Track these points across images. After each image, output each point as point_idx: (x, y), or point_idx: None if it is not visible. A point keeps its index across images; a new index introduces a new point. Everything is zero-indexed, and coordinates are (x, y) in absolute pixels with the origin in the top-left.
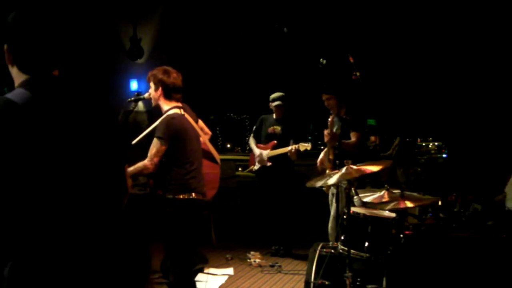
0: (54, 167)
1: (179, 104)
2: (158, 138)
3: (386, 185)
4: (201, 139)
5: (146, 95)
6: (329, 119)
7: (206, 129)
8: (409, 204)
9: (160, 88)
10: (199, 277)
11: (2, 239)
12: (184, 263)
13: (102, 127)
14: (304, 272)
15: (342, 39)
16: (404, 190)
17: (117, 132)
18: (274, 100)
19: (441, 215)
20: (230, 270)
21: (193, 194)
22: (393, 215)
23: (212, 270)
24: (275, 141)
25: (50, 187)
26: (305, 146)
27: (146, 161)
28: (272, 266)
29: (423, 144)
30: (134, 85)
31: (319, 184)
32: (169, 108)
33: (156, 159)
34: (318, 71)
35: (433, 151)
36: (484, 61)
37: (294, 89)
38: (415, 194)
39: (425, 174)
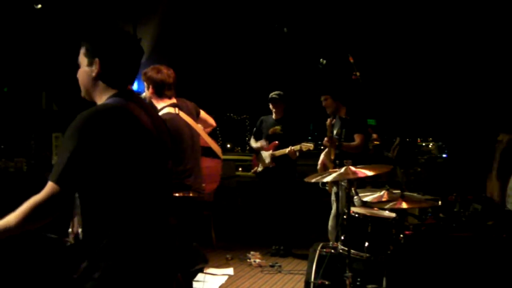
0: (145, 165)
1: (173, 101)
2: None
3: (386, 185)
4: (201, 133)
5: (143, 95)
6: (327, 122)
7: (210, 121)
8: (409, 204)
9: (150, 86)
10: (198, 277)
11: (98, 238)
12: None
13: (165, 130)
14: (304, 272)
15: (342, 39)
16: (404, 190)
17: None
18: (270, 95)
19: (441, 215)
20: (230, 270)
21: (190, 192)
22: (393, 215)
23: (212, 270)
24: (277, 142)
25: (138, 183)
26: (308, 146)
27: None
28: (272, 266)
29: (423, 144)
30: (134, 85)
31: (316, 179)
32: (162, 107)
33: None
34: (318, 71)
35: (433, 151)
36: (484, 61)
37: (294, 89)
38: (415, 194)
39: (425, 174)
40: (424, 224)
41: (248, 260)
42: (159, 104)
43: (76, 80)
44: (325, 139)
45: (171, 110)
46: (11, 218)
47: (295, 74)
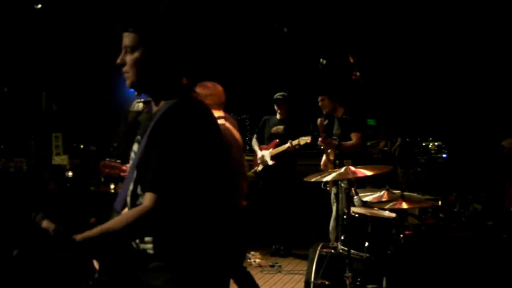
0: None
1: (224, 115)
2: None
3: (386, 185)
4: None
5: None
6: (318, 122)
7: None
8: (409, 204)
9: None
10: None
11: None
12: None
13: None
14: (304, 272)
15: (342, 39)
16: (404, 190)
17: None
18: (275, 96)
19: (441, 215)
20: None
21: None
22: (393, 215)
23: None
24: (277, 140)
25: (209, 184)
26: (305, 139)
27: None
28: (272, 266)
29: (423, 144)
30: None
31: (315, 179)
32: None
33: None
34: (318, 71)
35: (433, 151)
36: (484, 61)
37: (294, 89)
38: (415, 194)
39: (425, 174)
40: (424, 224)
41: (248, 260)
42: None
43: (76, 80)
44: (319, 139)
45: (220, 122)
46: (115, 225)
47: (295, 74)
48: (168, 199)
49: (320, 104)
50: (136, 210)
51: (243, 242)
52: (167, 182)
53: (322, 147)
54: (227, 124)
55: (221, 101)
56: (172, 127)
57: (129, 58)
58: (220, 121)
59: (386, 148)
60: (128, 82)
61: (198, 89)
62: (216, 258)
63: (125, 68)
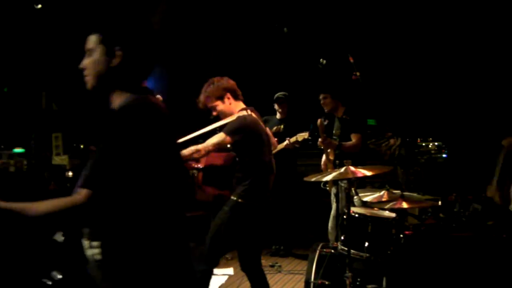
0: (158, 157)
1: (246, 107)
2: (226, 132)
3: (386, 185)
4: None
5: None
6: (318, 122)
7: (273, 139)
8: (409, 204)
9: (226, 95)
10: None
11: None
12: (214, 262)
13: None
14: (304, 272)
15: (342, 39)
16: (404, 190)
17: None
18: (276, 95)
19: (441, 215)
20: (230, 270)
21: (255, 200)
22: (393, 215)
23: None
24: (276, 139)
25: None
26: (303, 135)
27: (200, 146)
28: (272, 266)
29: (423, 144)
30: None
31: (315, 179)
32: (239, 109)
33: (212, 148)
34: (318, 71)
35: (433, 151)
36: (484, 61)
37: (294, 89)
38: (415, 194)
39: (425, 174)
40: (424, 224)
41: None
42: (238, 106)
43: (76, 80)
44: (319, 140)
45: (246, 112)
46: (41, 206)
47: (295, 74)
48: (101, 197)
49: (322, 102)
50: (67, 200)
51: (262, 238)
52: (100, 180)
53: (322, 147)
54: (254, 115)
55: (237, 93)
56: (111, 128)
57: (88, 61)
58: (246, 112)
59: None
60: (88, 86)
61: (213, 85)
62: (161, 263)
63: (85, 72)
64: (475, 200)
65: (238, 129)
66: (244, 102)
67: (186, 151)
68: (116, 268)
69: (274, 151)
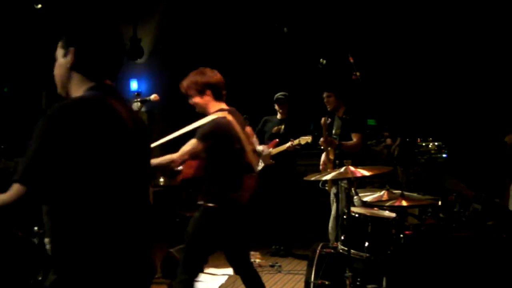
0: (115, 165)
1: (226, 107)
2: (198, 139)
3: (386, 185)
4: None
5: (152, 97)
6: (322, 121)
7: (253, 138)
8: (409, 204)
9: (207, 91)
10: (199, 277)
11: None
12: (194, 271)
13: (143, 130)
14: (304, 272)
15: (342, 39)
16: (404, 190)
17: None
18: (276, 96)
19: (441, 215)
20: (230, 270)
21: (230, 203)
22: (393, 215)
23: (212, 270)
24: (277, 139)
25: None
26: (306, 139)
27: (175, 155)
28: (272, 266)
29: (423, 144)
30: (134, 85)
31: (315, 178)
32: (216, 110)
33: (187, 156)
34: (318, 71)
35: (433, 151)
36: (484, 61)
37: (294, 89)
38: (415, 194)
39: (425, 174)
40: (424, 224)
41: None
42: (215, 106)
43: None
44: (321, 139)
45: (222, 114)
46: None
47: (295, 74)
48: (35, 193)
49: (325, 100)
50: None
51: (246, 239)
52: (33, 176)
53: (322, 147)
54: (230, 117)
55: (222, 92)
56: (41, 121)
57: (54, 68)
58: (222, 114)
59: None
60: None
61: (198, 77)
62: (109, 262)
63: (55, 79)
64: (475, 200)
65: (209, 134)
66: (244, 102)
67: (160, 160)
68: (61, 265)
69: (275, 152)
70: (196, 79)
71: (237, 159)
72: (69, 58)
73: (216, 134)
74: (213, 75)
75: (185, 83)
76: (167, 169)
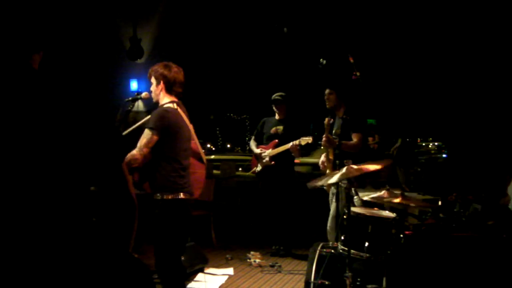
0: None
1: (176, 100)
2: (150, 129)
3: (386, 185)
4: (193, 136)
5: (143, 94)
6: (325, 122)
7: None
8: (409, 204)
9: (161, 82)
10: (199, 277)
11: None
12: (172, 265)
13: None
14: (304, 272)
15: (342, 39)
16: (404, 190)
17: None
18: (272, 97)
19: (441, 215)
20: (230, 270)
21: (181, 194)
22: (393, 215)
23: (212, 270)
24: (276, 140)
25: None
26: (306, 140)
27: (134, 151)
28: (272, 266)
29: (423, 144)
30: (134, 85)
31: (319, 184)
32: (165, 102)
33: (145, 150)
34: (318, 71)
35: (433, 151)
36: (484, 61)
37: (294, 89)
38: (415, 194)
39: (425, 174)
40: (424, 224)
41: (248, 260)
42: (167, 98)
43: (76, 80)
44: (323, 139)
45: (171, 105)
46: None
47: (295, 74)
48: None
49: (326, 97)
50: None
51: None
52: None
53: (322, 147)
54: (177, 108)
55: (173, 88)
56: None
57: None
58: (169, 105)
59: (373, 145)
60: None
61: (160, 68)
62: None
63: None
64: (475, 200)
65: (159, 122)
66: (244, 102)
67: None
68: None
69: (274, 153)
70: (157, 69)
71: (187, 146)
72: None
73: (163, 122)
74: (175, 72)
75: (150, 69)
76: (129, 167)
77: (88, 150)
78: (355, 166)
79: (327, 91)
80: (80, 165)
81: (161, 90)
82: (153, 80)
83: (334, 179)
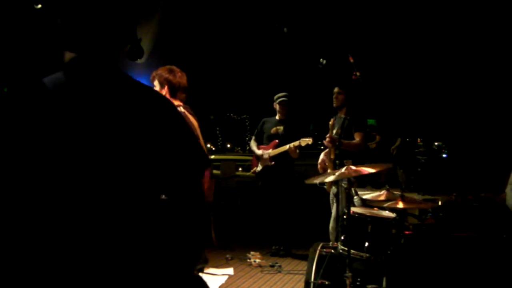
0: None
1: (182, 104)
2: None
3: (386, 185)
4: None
5: None
6: (330, 122)
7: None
8: (409, 204)
9: (166, 87)
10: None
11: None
12: None
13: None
14: (304, 272)
15: (342, 39)
16: (404, 190)
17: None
18: (279, 97)
19: (441, 215)
20: (230, 270)
21: None
22: (393, 215)
23: (212, 270)
24: (277, 140)
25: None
26: (306, 141)
27: None
28: (272, 266)
29: (423, 144)
30: None
31: (317, 181)
32: None
33: None
34: (318, 71)
35: (433, 151)
36: (484, 61)
37: (294, 89)
38: (415, 194)
39: (425, 174)
40: (424, 224)
41: (248, 260)
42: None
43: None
44: (327, 139)
45: (180, 109)
46: None
47: (295, 74)
48: None
49: (334, 96)
50: None
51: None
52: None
53: (322, 147)
54: (184, 111)
55: (177, 93)
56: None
57: None
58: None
59: (372, 144)
60: None
61: (165, 72)
62: None
63: None
64: (475, 200)
65: None
66: (244, 102)
67: None
68: None
69: (274, 153)
70: (162, 73)
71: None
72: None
73: None
74: (179, 77)
75: (154, 72)
76: None
77: (165, 156)
78: (353, 167)
79: (336, 89)
80: (153, 171)
81: (165, 95)
82: (156, 83)
83: (331, 178)
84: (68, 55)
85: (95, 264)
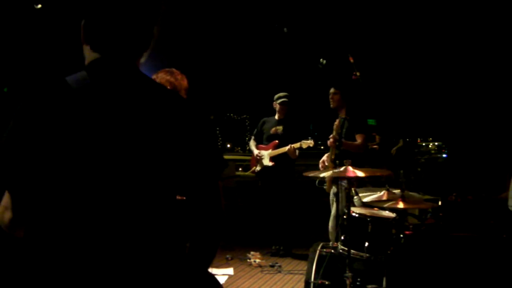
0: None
1: None
2: None
3: (386, 185)
4: None
5: None
6: (336, 123)
7: None
8: (409, 204)
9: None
10: None
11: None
12: None
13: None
14: (304, 272)
15: (342, 39)
16: (404, 190)
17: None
18: (279, 97)
19: (441, 215)
20: (230, 270)
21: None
22: (393, 215)
23: (212, 270)
24: (277, 141)
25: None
26: (307, 143)
27: None
28: (272, 266)
29: (423, 144)
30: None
31: (313, 174)
32: None
33: None
34: (318, 71)
35: (433, 151)
36: (484, 61)
37: (294, 89)
38: (415, 194)
39: (425, 174)
40: (424, 224)
41: (248, 260)
42: None
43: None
44: (330, 140)
45: None
46: None
47: (295, 74)
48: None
49: (330, 96)
50: None
51: None
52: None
53: (322, 148)
54: None
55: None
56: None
57: None
58: None
59: (373, 145)
60: None
61: (166, 74)
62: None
63: None
64: (475, 200)
65: None
66: (244, 102)
67: None
68: None
69: (274, 154)
70: (162, 75)
71: None
72: (81, 32)
73: None
74: (179, 79)
75: (154, 75)
76: None
77: (185, 156)
78: (351, 169)
79: (332, 90)
80: (171, 171)
81: None
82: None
83: (328, 173)
84: (92, 55)
85: (113, 261)
